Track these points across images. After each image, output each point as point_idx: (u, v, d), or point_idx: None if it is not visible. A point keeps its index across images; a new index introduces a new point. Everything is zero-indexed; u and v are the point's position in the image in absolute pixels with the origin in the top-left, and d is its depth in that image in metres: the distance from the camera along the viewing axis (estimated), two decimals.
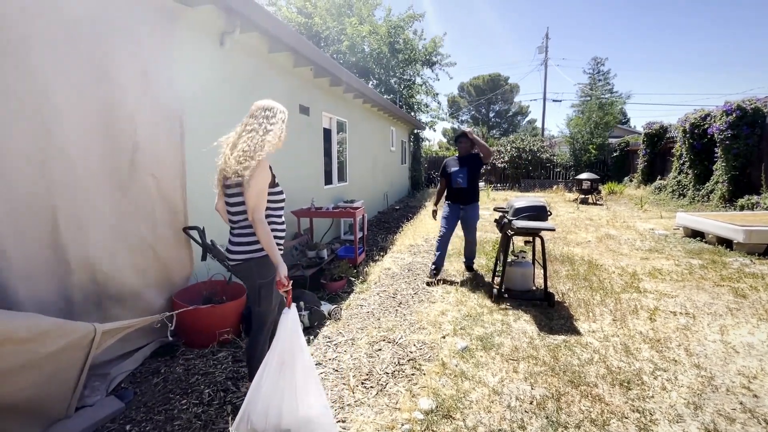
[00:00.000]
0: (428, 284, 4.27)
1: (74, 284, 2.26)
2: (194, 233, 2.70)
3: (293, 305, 1.91)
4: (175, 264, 2.88)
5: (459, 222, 4.46)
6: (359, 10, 13.66)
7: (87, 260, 2.30)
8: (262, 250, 1.91)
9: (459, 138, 4.54)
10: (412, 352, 2.83)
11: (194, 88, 3.15)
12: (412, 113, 15.06)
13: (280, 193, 2.05)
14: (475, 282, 4.34)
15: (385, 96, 13.09)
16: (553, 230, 3.54)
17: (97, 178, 2.32)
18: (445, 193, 4.60)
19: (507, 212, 3.99)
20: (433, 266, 4.43)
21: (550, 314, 3.50)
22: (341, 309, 3.49)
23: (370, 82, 13.85)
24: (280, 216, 2.06)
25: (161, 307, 2.78)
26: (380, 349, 2.87)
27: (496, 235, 6.86)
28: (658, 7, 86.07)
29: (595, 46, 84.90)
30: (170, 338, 2.50)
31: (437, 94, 16.05)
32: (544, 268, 3.72)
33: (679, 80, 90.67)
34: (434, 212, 4.68)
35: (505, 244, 3.88)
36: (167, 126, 2.72)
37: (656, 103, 72.01)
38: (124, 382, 2.44)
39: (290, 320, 1.81)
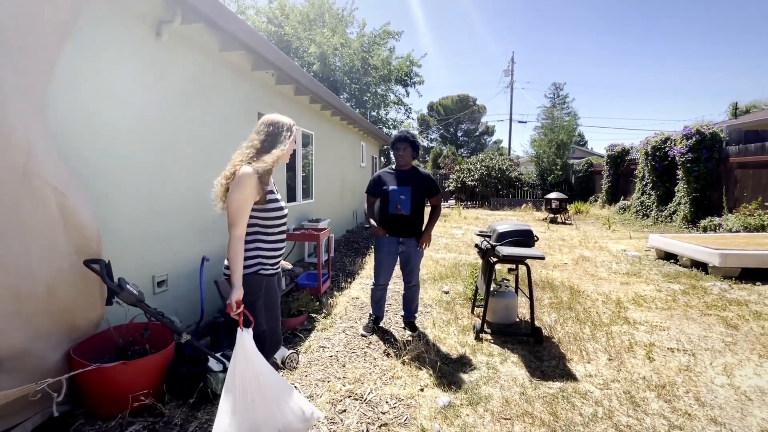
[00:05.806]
0: (363, 335, 3.34)
1: None
2: (98, 269, 2.04)
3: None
4: (79, 305, 2.21)
5: (398, 262, 3.33)
6: (332, 24, 13.37)
7: None
8: (243, 267, 1.86)
9: (397, 143, 3.16)
10: (384, 414, 2.29)
11: (114, 86, 2.55)
12: (385, 129, 14.80)
13: (276, 210, 1.97)
14: (453, 314, 3.88)
15: (356, 110, 12.78)
16: (543, 258, 3.16)
17: None
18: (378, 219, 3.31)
19: (489, 236, 3.60)
20: (373, 316, 3.47)
21: (540, 353, 3.08)
22: (298, 354, 2.90)
23: (342, 95, 13.47)
24: (273, 235, 1.99)
25: (57, 364, 2.09)
26: (345, 411, 2.31)
27: (470, 257, 6.49)
28: (618, 35, 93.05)
29: (559, 70, 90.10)
30: (55, 413, 1.83)
31: (410, 111, 15.97)
32: (531, 300, 3.32)
33: (633, 106, 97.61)
34: (378, 229, 3.35)
35: (487, 272, 3.46)
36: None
37: (613, 127, 77.09)
38: None
39: (245, 343, 1.78)
